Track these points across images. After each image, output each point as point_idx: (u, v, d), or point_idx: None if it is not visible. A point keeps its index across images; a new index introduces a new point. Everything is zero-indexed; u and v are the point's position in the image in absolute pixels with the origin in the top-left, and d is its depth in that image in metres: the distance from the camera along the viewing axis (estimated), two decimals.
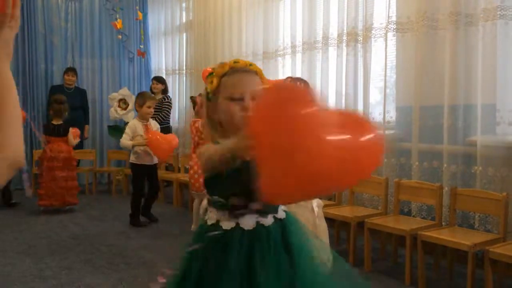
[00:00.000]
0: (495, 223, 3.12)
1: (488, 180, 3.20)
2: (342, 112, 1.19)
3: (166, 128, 6.40)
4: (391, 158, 3.88)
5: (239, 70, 1.34)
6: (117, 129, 7.25)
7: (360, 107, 4.21)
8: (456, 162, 3.44)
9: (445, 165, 3.46)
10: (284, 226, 1.31)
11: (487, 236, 2.99)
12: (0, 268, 3.44)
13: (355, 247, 3.52)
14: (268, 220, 1.27)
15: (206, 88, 1.36)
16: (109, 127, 7.31)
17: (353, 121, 1.08)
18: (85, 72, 7.45)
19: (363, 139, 1.02)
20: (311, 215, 2.24)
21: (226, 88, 1.30)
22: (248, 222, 1.25)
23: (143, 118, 4.75)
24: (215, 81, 1.31)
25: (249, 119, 1.06)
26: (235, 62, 1.35)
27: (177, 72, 7.20)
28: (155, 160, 4.83)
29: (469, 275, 2.76)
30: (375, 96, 4.34)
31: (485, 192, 3.10)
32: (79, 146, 6.30)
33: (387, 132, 3.92)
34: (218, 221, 1.28)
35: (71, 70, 6.88)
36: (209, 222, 1.30)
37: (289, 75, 4.99)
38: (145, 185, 4.86)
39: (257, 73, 1.36)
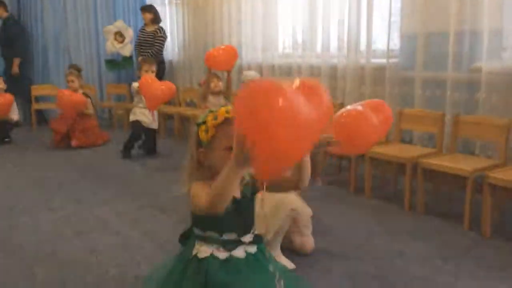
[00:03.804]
0: (496, 149, 3.14)
1: (491, 107, 3.19)
2: (301, 85, 1.31)
3: (159, 64, 6.22)
4: (394, 88, 3.85)
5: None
6: (114, 63, 7.14)
7: (363, 36, 4.12)
8: (460, 90, 3.41)
9: (448, 93, 3.44)
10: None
11: (488, 161, 3.02)
12: (7, 201, 3.51)
13: (356, 176, 3.58)
14: (253, 249, 1.49)
15: (199, 136, 1.40)
16: (106, 61, 7.18)
17: (309, 91, 1.25)
18: (79, 5, 7.21)
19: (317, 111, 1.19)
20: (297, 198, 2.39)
21: (222, 138, 1.36)
22: (239, 252, 1.45)
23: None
24: (210, 131, 1.37)
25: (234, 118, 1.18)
26: (226, 112, 1.38)
27: (174, 2, 6.97)
28: (154, 126, 4.93)
29: (468, 199, 2.82)
30: (378, 25, 4.23)
31: (487, 118, 3.10)
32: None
33: (390, 60, 3.86)
34: (211, 254, 1.42)
35: None
36: (202, 256, 1.43)
37: (288, 4, 4.85)
38: (141, 135, 4.99)
39: None
